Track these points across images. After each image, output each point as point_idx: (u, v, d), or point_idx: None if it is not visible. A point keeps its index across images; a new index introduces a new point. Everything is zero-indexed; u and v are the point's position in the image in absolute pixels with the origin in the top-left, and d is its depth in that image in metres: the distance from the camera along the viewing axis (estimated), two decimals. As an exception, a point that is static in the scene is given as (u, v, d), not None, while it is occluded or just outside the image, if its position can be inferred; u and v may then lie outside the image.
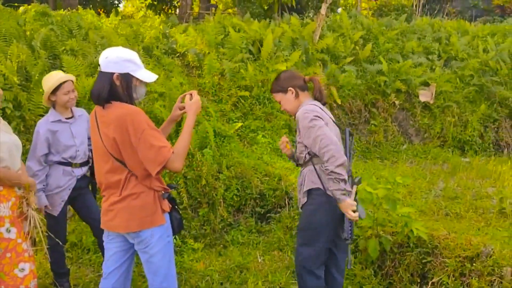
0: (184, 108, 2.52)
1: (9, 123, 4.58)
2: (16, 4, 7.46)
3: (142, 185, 2.32)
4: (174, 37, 7.01)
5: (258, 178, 5.04)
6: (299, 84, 2.80)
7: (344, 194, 2.55)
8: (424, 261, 3.36)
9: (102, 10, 13.97)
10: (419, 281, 3.36)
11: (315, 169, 2.70)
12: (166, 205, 2.43)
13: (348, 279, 3.58)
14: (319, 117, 2.61)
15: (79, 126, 3.41)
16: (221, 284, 3.64)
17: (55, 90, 3.24)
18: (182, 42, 6.93)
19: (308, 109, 2.66)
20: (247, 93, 6.41)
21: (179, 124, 4.90)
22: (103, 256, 3.41)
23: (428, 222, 3.78)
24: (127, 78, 2.32)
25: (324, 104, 2.82)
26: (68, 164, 3.32)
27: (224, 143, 5.47)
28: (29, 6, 6.74)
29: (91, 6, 12.41)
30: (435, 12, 13.16)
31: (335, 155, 2.50)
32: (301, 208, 2.84)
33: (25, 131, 4.68)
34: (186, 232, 4.46)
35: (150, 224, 2.34)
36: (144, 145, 2.21)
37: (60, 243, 3.40)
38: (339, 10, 12.47)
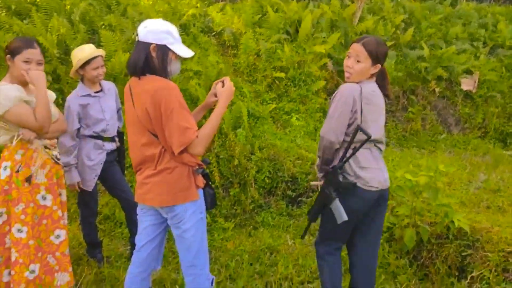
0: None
1: (48, 95, 4.68)
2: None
3: (176, 160, 2.29)
4: (211, 16, 6.92)
5: (290, 161, 4.96)
6: (382, 70, 2.59)
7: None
8: (464, 254, 3.22)
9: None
10: (457, 274, 3.22)
11: None
12: (200, 181, 2.40)
13: (381, 267, 3.48)
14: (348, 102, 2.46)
15: (108, 99, 3.39)
16: (251, 264, 3.60)
17: (84, 64, 3.22)
18: (218, 20, 6.84)
19: (346, 91, 2.47)
20: (282, 75, 6.28)
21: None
22: (130, 230, 3.47)
23: (469, 214, 3.61)
24: (163, 50, 2.27)
25: (386, 96, 2.62)
26: (99, 137, 3.31)
27: (257, 124, 5.40)
28: (69, -19, 6.77)
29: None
30: (482, -3, 12.57)
31: (324, 127, 2.49)
32: None
33: (63, 103, 4.72)
34: (217, 211, 4.44)
35: (184, 199, 2.32)
36: (171, 122, 2.19)
37: (91, 215, 3.45)
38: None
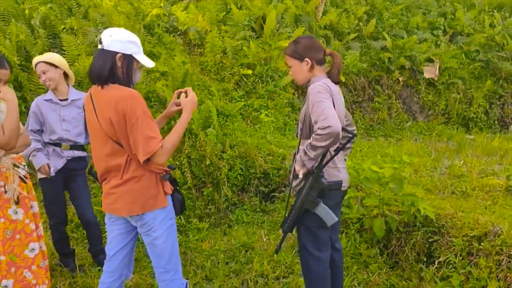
0: (180, 104, 2.48)
1: (10, 104, 4.56)
2: (13, -19, 7.30)
3: (142, 168, 2.28)
4: (175, 15, 6.88)
5: (262, 157, 5.01)
6: (318, 57, 2.55)
7: (304, 166, 2.43)
8: (430, 240, 3.34)
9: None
10: (425, 260, 3.35)
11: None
12: (168, 187, 2.41)
13: (354, 258, 3.58)
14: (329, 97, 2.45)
15: (71, 110, 3.36)
16: (227, 263, 3.64)
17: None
18: (183, 19, 6.80)
19: (321, 87, 2.45)
20: (249, 71, 6.32)
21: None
22: (88, 243, 3.54)
23: (435, 201, 3.75)
24: (129, 60, 2.27)
25: (337, 83, 2.59)
26: (58, 145, 3.33)
27: (227, 123, 5.42)
28: (27, -16, 6.59)
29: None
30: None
31: (328, 117, 2.28)
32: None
33: (26, 112, 4.61)
34: (191, 212, 4.45)
35: (153, 206, 2.32)
36: (136, 131, 2.17)
37: (59, 224, 3.43)
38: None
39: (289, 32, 6.99)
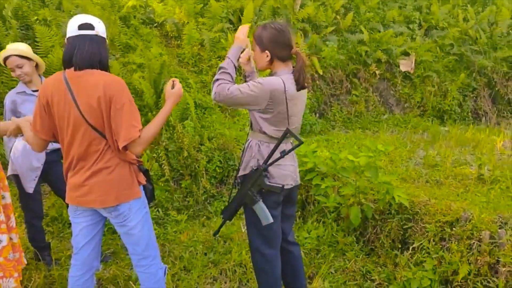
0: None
1: (-19, 96, 4.45)
2: (-17, -29, 7.10)
3: (117, 157, 2.26)
4: (152, 6, 6.80)
5: (240, 149, 5.01)
6: (280, 54, 2.42)
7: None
8: (405, 227, 3.41)
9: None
10: (400, 246, 3.42)
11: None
12: (142, 178, 2.40)
13: (331, 246, 3.63)
14: (271, 94, 2.34)
15: None
16: (205, 254, 3.65)
17: (4, 61, 3.14)
18: (160, 11, 6.73)
19: (272, 81, 2.36)
20: (227, 64, 6.30)
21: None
22: None
23: (409, 189, 3.82)
24: (108, 46, 2.35)
25: (299, 88, 2.43)
26: None
27: (205, 115, 5.41)
28: (-2, -26, 6.42)
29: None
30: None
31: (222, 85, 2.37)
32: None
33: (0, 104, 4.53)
34: (169, 204, 4.43)
35: (128, 197, 2.30)
36: (119, 117, 2.16)
37: (35, 218, 3.37)
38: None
39: (267, 25, 6.99)
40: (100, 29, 2.27)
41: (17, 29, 5.22)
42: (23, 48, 3.19)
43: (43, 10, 5.64)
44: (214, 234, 2.84)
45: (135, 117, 2.20)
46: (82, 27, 2.23)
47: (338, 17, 8.02)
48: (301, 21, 7.56)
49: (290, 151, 2.42)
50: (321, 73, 7.10)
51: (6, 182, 2.87)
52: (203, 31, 6.46)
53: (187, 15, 6.74)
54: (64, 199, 3.40)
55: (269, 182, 2.44)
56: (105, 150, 2.24)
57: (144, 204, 2.40)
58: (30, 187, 3.22)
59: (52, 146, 3.27)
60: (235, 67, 2.52)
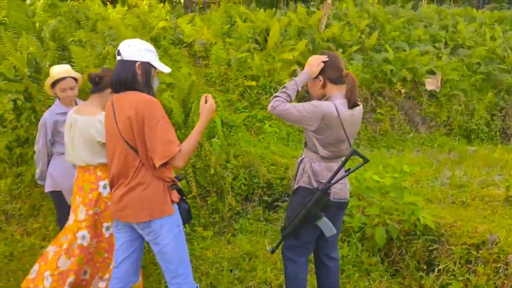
0: None
1: (20, 114, 4.69)
2: (23, -5, 7.49)
3: (152, 174, 2.35)
4: (181, 27, 7.03)
5: (265, 167, 5.10)
6: (332, 76, 2.62)
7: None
8: (430, 248, 3.42)
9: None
10: (425, 268, 3.42)
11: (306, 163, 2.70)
12: (175, 196, 2.47)
13: (355, 266, 3.65)
14: (323, 117, 2.54)
15: None
16: (231, 271, 3.72)
17: (54, 84, 3.28)
18: (188, 32, 6.95)
19: (328, 105, 2.54)
20: (253, 83, 6.45)
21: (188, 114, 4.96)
22: None
23: (435, 210, 3.83)
24: (147, 67, 2.39)
25: (353, 107, 2.60)
26: None
27: (231, 133, 5.53)
28: (37, -3, 6.78)
29: (97, -5, 12.36)
30: (442, -1, 13.07)
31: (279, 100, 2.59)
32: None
33: (36, 122, 4.72)
34: (196, 220, 4.53)
35: (160, 213, 2.37)
36: (154, 135, 2.25)
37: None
38: (345, -2, 12.37)
39: (292, 45, 7.13)
40: (126, 53, 2.37)
41: (54, 50, 5.47)
42: (73, 71, 3.39)
43: (79, 32, 5.91)
44: (272, 252, 2.97)
45: (171, 133, 2.31)
46: (117, 53, 2.42)
47: (363, 36, 8.08)
48: (326, 40, 7.66)
49: (355, 169, 2.60)
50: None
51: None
52: (230, 51, 6.63)
53: (215, 36, 6.93)
54: None
55: (334, 198, 2.63)
56: (140, 167, 2.35)
57: (178, 222, 2.47)
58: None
59: None
60: (297, 92, 2.69)
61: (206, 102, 2.51)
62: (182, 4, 11.92)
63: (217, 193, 4.81)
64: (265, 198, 4.94)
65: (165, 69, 2.47)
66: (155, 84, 2.55)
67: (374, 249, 3.74)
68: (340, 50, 7.72)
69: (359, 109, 2.66)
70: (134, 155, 2.34)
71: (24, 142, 4.68)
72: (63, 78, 3.28)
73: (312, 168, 2.63)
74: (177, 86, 5.44)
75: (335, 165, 2.61)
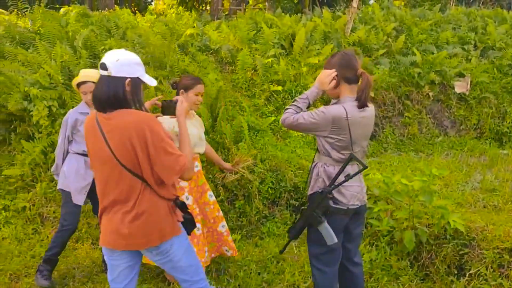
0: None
1: (55, 120, 4.86)
2: (57, 5, 7.77)
3: (156, 196, 2.23)
4: (208, 34, 7.15)
5: (292, 171, 5.12)
6: (346, 75, 2.55)
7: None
8: (461, 252, 3.36)
9: (135, 8, 14.28)
10: (456, 272, 3.36)
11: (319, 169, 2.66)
12: (179, 215, 2.37)
13: (384, 270, 3.62)
14: (333, 121, 2.50)
15: None
16: (259, 274, 3.74)
17: (78, 85, 3.45)
18: (215, 39, 7.06)
19: (338, 110, 2.52)
20: (279, 88, 6.49)
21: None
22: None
23: (465, 214, 3.76)
24: (136, 83, 2.22)
25: (362, 107, 2.54)
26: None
27: (258, 137, 5.57)
28: (70, 8, 7.02)
29: (126, 5, 12.71)
30: (471, 1, 12.81)
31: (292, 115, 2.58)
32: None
33: (70, 127, 4.91)
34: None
35: (170, 234, 2.29)
36: (163, 153, 2.13)
37: (71, 229, 3.56)
38: (371, 1, 12.31)
39: (318, 49, 7.14)
40: (115, 69, 2.15)
41: (86, 58, 5.66)
42: (97, 75, 3.50)
43: (109, 40, 6.09)
44: (281, 252, 2.98)
45: (174, 147, 2.19)
46: (101, 66, 2.19)
47: (389, 39, 8.03)
48: (352, 44, 7.64)
49: (354, 175, 2.53)
50: (372, 96, 7.10)
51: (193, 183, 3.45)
52: (256, 57, 6.70)
53: (241, 42, 7.02)
54: None
55: (334, 204, 2.56)
56: (143, 190, 2.20)
57: (185, 236, 2.40)
58: (81, 200, 3.51)
59: None
60: (309, 105, 2.70)
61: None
62: (209, 12, 12.10)
63: (244, 197, 4.86)
64: (292, 202, 4.95)
65: (152, 82, 2.28)
66: (142, 97, 2.35)
67: (403, 253, 3.71)
68: (366, 53, 7.69)
69: (370, 110, 2.62)
70: (134, 179, 2.18)
71: (58, 147, 4.85)
72: (84, 82, 3.42)
73: (326, 172, 2.59)
74: (204, 92, 5.52)
75: (349, 168, 2.56)
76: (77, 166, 3.51)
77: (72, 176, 3.50)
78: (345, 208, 2.57)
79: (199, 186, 3.54)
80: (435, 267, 3.48)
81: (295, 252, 4.08)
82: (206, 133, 5.17)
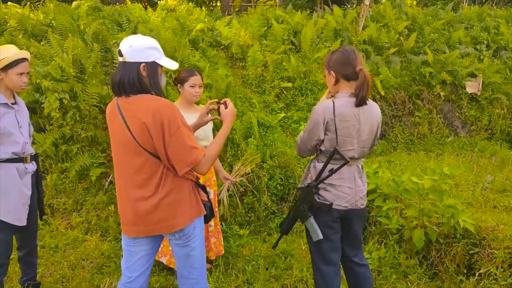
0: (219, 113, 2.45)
1: (66, 113, 4.88)
2: (69, -1, 7.81)
3: (178, 177, 2.20)
4: (219, 30, 7.15)
5: (300, 168, 5.11)
6: (345, 72, 2.50)
7: None
8: (471, 252, 3.34)
9: (146, 3, 14.29)
10: (465, 272, 3.34)
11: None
12: (203, 195, 2.35)
13: (393, 268, 3.61)
14: (324, 121, 2.47)
15: (23, 115, 2.95)
16: (267, 269, 3.75)
17: (6, 67, 2.74)
18: (226, 34, 7.06)
19: (317, 112, 2.50)
20: (289, 84, 6.47)
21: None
22: (23, 270, 3.21)
23: (476, 214, 3.74)
24: (153, 67, 2.21)
25: (360, 104, 2.47)
26: (20, 160, 2.85)
27: (267, 133, 5.57)
28: (81, 1, 7.04)
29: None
30: (484, 1, 12.69)
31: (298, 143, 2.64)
32: None
33: (80, 120, 4.94)
34: (232, 218, 4.59)
35: (196, 215, 2.28)
36: (176, 142, 2.11)
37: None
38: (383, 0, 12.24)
39: (328, 47, 7.11)
40: (128, 54, 2.17)
41: (98, 51, 5.68)
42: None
43: (121, 34, 6.10)
44: (273, 247, 2.96)
45: (192, 139, 2.17)
46: (118, 53, 2.22)
47: (401, 38, 7.97)
48: (363, 42, 7.61)
49: (336, 170, 2.49)
50: (383, 94, 7.07)
51: (214, 177, 3.57)
52: (266, 53, 6.69)
53: (252, 38, 7.01)
54: (19, 233, 3.06)
55: (319, 199, 2.54)
56: (165, 172, 2.19)
57: (202, 225, 2.37)
58: (23, 220, 2.92)
59: (33, 166, 3.00)
60: None
61: (226, 108, 2.40)
62: (220, 8, 12.10)
63: (253, 193, 4.86)
64: (301, 198, 4.94)
65: (172, 65, 2.26)
66: (163, 82, 2.31)
67: (412, 251, 3.69)
68: (377, 52, 7.65)
69: (371, 108, 2.55)
70: (157, 162, 2.17)
71: (69, 139, 4.88)
72: (22, 60, 2.82)
73: (316, 167, 2.56)
74: (214, 87, 5.54)
75: (345, 168, 2.52)
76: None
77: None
78: (328, 203, 2.50)
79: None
80: (444, 266, 3.46)
81: (303, 248, 4.07)
82: (216, 128, 5.19)
